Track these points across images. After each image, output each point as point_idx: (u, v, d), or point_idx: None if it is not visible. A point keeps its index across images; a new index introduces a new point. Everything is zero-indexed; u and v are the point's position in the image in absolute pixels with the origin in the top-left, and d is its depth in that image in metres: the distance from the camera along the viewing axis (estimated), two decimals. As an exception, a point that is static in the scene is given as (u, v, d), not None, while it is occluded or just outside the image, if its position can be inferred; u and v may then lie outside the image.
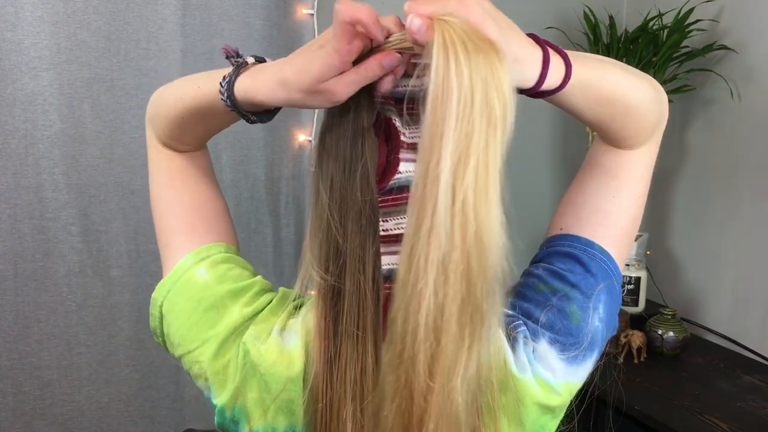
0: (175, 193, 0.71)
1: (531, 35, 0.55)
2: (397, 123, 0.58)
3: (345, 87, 0.54)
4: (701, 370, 1.61)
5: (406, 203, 0.54)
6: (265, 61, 0.60)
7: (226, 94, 0.58)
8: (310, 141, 1.61)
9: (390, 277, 0.58)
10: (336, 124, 0.60)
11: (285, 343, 0.62)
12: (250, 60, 0.60)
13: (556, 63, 0.54)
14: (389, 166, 0.58)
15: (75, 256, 1.43)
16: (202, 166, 0.73)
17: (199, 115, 0.64)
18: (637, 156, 0.67)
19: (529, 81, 0.53)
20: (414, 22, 0.47)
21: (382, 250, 0.58)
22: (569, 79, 0.55)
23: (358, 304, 0.58)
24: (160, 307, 0.66)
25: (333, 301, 0.59)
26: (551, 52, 0.54)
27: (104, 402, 1.49)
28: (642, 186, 0.68)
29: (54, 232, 1.41)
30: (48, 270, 1.42)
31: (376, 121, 0.58)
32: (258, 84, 0.57)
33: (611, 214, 0.67)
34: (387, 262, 0.59)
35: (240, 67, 0.59)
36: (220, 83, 0.58)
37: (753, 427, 1.34)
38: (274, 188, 1.62)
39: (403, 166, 0.58)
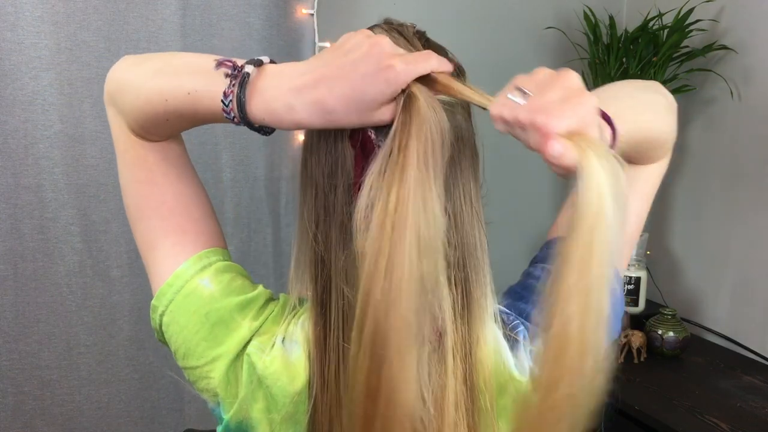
0: (157, 189, 0.65)
1: None
2: (372, 135, 0.56)
3: (394, 114, 0.53)
4: (701, 370, 1.61)
5: None
6: (262, 63, 0.55)
7: (233, 115, 0.54)
8: (310, 141, 1.61)
9: None
10: (319, 134, 0.58)
11: (289, 354, 0.61)
12: (250, 69, 0.54)
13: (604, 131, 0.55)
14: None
15: (75, 256, 1.43)
16: (180, 154, 0.67)
17: (190, 119, 0.60)
18: (652, 169, 0.70)
19: None
20: (555, 148, 0.46)
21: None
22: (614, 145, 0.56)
23: (343, 317, 0.57)
24: (161, 316, 0.64)
25: (322, 312, 0.59)
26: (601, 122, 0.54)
27: (104, 402, 1.49)
28: (652, 191, 0.72)
29: (54, 232, 1.41)
30: (48, 270, 1.41)
31: (353, 132, 0.56)
32: (280, 112, 0.53)
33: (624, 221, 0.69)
34: None
35: (244, 83, 0.54)
36: (223, 101, 0.54)
37: (753, 427, 1.34)
38: (274, 188, 1.62)
39: None
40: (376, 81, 0.51)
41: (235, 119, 0.54)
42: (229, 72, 0.55)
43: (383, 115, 0.52)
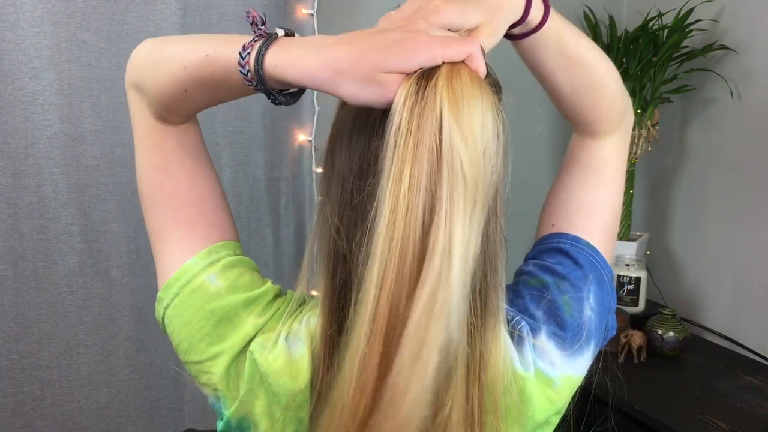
0: (172, 179, 0.65)
1: None
2: None
3: (397, 87, 0.50)
4: (701, 370, 1.61)
5: None
6: (294, 34, 0.55)
7: (247, 68, 0.53)
8: (310, 141, 1.61)
9: None
10: (351, 122, 0.58)
11: (292, 352, 0.60)
12: (281, 32, 0.54)
13: (537, 1, 0.57)
14: None
15: (75, 256, 1.43)
16: (197, 143, 0.67)
17: (207, 87, 0.59)
18: (609, 148, 0.70)
19: (517, 13, 0.56)
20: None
21: None
22: (548, 16, 0.58)
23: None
24: (165, 308, 0.63)
25: (339, 307, 0.58)
26: None
27: (104, 402, 1.49)
28: (618, 180, 0.72)
29: (54, 232, 1.41)
30: (48, 270, 1.41)
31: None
32: (293, 59, 0.52)
33: (596, 208, 0.70)
34: None
35: (270, 39, 0.53)
36: (240, 54, 0.53)
37: (753, 427, 1.34)
38: (274, 188, 1.62)
39: None
40: (394, 47, 0.49)
41: (249, 74, 0.53)
42: (258, 23, 0.54)
43: (388, 80, 0.50)
